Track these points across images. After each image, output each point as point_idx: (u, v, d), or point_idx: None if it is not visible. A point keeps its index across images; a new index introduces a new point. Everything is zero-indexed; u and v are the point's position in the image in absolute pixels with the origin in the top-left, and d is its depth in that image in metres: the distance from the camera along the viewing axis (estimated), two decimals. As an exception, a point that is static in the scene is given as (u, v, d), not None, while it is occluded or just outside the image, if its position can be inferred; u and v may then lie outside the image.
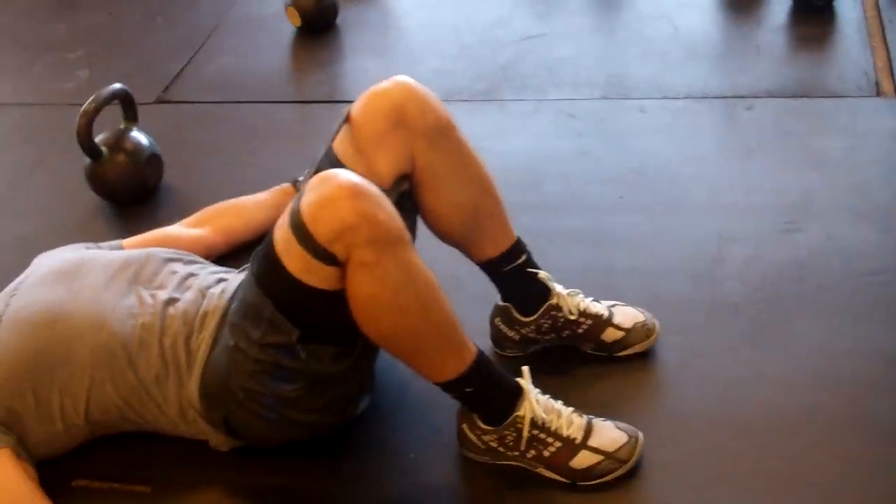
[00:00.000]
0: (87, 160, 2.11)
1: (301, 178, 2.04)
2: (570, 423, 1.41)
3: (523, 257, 1.58)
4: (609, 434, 1.43)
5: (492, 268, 1.58)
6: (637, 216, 1.96)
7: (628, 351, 1.61)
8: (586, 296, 1.61)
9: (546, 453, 1.41)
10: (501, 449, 1.43)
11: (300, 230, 1.23)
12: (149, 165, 2.15)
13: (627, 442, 1.42)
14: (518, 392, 1.40)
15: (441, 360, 1.35)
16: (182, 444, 1.54)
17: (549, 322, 1.59)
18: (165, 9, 3.11)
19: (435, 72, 2.53)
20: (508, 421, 1.40)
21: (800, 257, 1.79)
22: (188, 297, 1.54)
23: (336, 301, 1.28)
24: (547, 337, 1.61)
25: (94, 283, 1.57)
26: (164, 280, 1.59)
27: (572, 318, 1.59)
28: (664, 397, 1.57)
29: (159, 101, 2.58)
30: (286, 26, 2.83)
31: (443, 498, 1.47)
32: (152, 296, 1.55)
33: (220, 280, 1.59)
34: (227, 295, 1.52)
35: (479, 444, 1.44)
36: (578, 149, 2.19)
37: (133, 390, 1.49)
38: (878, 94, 2.23)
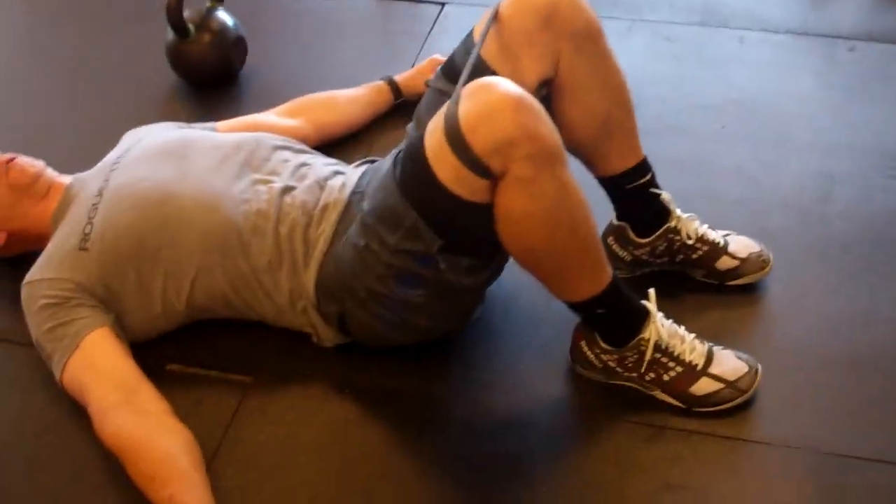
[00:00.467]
0: (170, 37, 2.03)
1: (395, 77, 1.98)
2: (693, 349, 1.39)
3: (648, 176, 1.53)
4: (730, 363, 1.40)
5: (614, 184, 1.53)
6: (739, 148, 1.91)
7: (740, 281, 1.57)
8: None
9: (665, 377, 1.39)
10: (619, 369, 1.41)
11: (456, 139, 1.17)
12: (235, 48, 2.08)
13: (748, 372, 1.40)
14: (644, 314, 1.37)
15: (580, 279, 1.31)
16: (283, 337, 1.52)
17: (665, 245, 1.55)
18: None
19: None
20: (632, 343, 1.37)
21: (908, 203, 1.76)
22: (305, 186, 1.49)
23: (482, 214, 1.23)
24: (659, 260, 1.58)
25: (204, 165, 1.51)
26: (277, 167, 1.53)
27: (689, 242, 1.55)
28: (774, 330, 1.55)
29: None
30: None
31: (554, 412, 1.45)
32: (265, 182, 1.49)
33: (337, 173, 1.53)
34: (348, 189, 1.47)
35: (597, 362, 1.42)
36: (676, 74, 2.12)
37: (242, 276, 1.44)
38: None
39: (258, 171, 1.52)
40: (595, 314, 1.36)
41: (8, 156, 1.57)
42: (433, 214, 1.25)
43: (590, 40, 1.42)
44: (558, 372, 1.47)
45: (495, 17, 1.38)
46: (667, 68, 2.14)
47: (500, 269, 1.40)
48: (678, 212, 1.55)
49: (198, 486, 1.28)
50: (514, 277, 1.43)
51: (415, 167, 1.24)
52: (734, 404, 1.39)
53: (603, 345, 1.40)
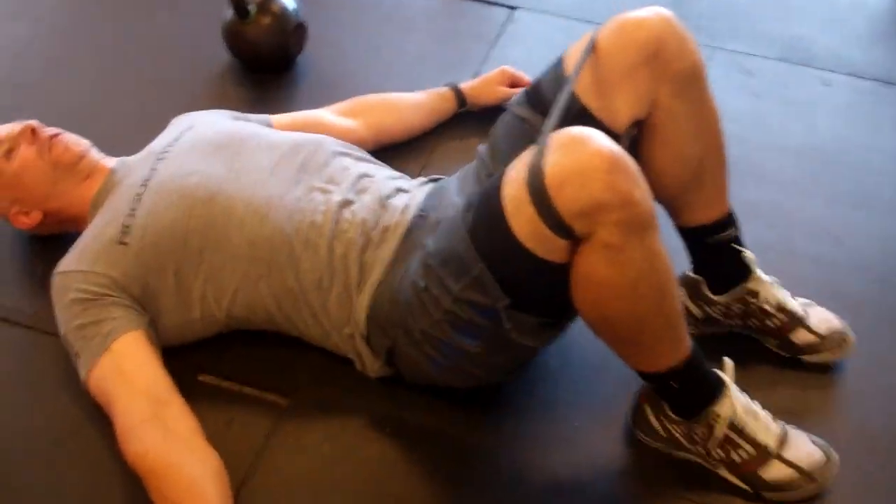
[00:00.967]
0: (229, 16, 1.92)
1: (460, 85, 1.86)
2: (767, 429, 1.28)
3: (732, 230, 1.42)
4: (805, 447, 1.30)
5: (695, 235, 1.43)
6: (818, 199, 1.80)
7: (814, 358, 1.46)
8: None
9: (735, 457, 1.28)
10: (685, 442, 1.30)
11: (539, 194, 1.06)
12: (294, 33, 1.96)
13: (823, 460, 1.30)
14: (719, 387, 1.26)
15: (657, 352, 1.21)
16: (324, 357, 1.42)
17: (741, 307, 1.45)
18: None
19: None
20: (704, 416, 1.26)
21: None
22: (365, 202, 1.38)
23: (557, 274, 1.12)
24: (731, 322, 1.47)
25: (259, 165, 1.40)
26: (335, 174, 1.42)
27: (767, 308, 1.44)
28: (851, 410, 1.44)
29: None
30: None
31: (608, 479, 1.35)
32: (323, 191, 1.38)
33: (399, 190, 1.42)
34: (411, 213, 1.36)
35: (661, 430, 1.31)
36: (756, 112, 2.00)
37: (289, 293, 1.34)
38: None
39: (315, 176, 1.41)
40: (668, 385, 1.25)
41: (53, 131, 1.47)
42: (502, 268, 1.14)
43: (692, 83, 1.31)
44: (616, 433, 1.37)
45: (592, 49, 1.27)
46: (746, 105, 2.02)
47: (565, 329, 1.29)
48: (760, 273, 1.44)
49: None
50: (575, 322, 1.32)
51: (489, 216, 1.13)
52: (806, 495, 1.28)
53: (670, 414, 1.29)
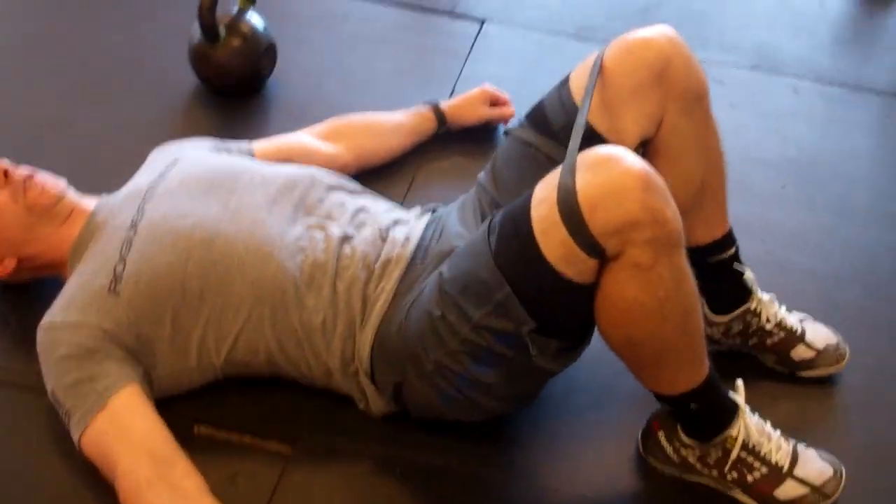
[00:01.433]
0: (197, 38, 1.85)
1: (440, 104, 1.83)
2: (779, 448, 1.28)
3: (733, 250, 1.42)
4: (815, 464, 1.30)
5: (696, 255, 1.41)
6: (801, 211, 1.81)
7: (813, 373, 1.47)
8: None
9: (749, 478, 1.27)
10: (698, 465, 1.29)
11: (572, 215, 1.04)
12: (265, 55, 1.90)
13: (833, 476, 1.30)
14: (733, 410, 1.26)
15: (678, 373, 1.19)
16: (322, 399, 1.37)
17: (741, 326, 1.44)
18: None
19: (565, 2, 2.29)
20: (718, 439, 1.25)
21: None
22: (365, 236, 1.34)
23: (583, 296, 1.11)
24: (731, 341, 1.47)
25: (255, 203, 1.35)
26: (332, 210, 1.38)
27: (767, 327, 1.44)
28: (852, 424, 1.45)
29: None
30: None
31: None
32: (321, 228, 1.34)
33: (398, 222, 1.38)
34: (412, 244, 1.33)
35: (674, 456, 1.30)
36: (732, 122, 1.99)
37: (292, 334, 1.29)
38: None
39: (312, 213, 1.37)
40: (686, 407, 1.24)
41: (26, 171, 1.38)
42: (528, 292, 1.11)
43: (698, 101, 1.32)
44: (626, 460, 1.35)
45: (600, 71, 1.25)
46: (722, 116, 1.99)
47: (581, 353, 1.27)
48: (759, 293, 1.44)
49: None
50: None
51: (516, 238, 1.10)
52: (818, 511, 1.29)
53: (684, 438, 1.28)
